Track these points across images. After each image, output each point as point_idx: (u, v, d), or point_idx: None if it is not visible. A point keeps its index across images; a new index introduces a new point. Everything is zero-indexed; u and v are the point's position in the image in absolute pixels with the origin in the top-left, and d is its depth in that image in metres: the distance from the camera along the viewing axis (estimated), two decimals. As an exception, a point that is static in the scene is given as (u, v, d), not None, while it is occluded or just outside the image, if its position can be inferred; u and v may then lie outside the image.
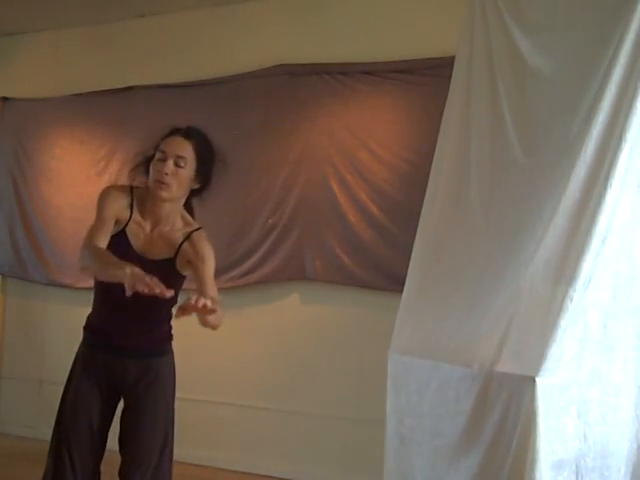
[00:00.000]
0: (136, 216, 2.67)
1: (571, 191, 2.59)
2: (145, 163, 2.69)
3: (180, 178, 2.61)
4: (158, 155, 2.62)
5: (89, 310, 2.77)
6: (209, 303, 2.26)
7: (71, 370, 2.74)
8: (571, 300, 2.49)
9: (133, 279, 2.25)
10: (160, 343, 2.78)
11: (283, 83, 4.87)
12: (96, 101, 5.47)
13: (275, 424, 4.83)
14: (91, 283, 2.78)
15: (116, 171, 5.30)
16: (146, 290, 2.23)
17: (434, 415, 2.85)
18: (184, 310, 2.26)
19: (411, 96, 4.53)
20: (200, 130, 2.73)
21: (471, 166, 3.07)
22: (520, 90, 2.95)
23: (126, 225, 2.66)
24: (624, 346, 2.68)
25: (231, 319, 4.96)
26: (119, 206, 2.65)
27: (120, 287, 2.39)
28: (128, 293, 2.25)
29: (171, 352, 2.79)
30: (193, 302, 2.24)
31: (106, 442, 2.70)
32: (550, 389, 2.49)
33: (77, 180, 5.52)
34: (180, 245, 2.66)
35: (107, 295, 2.67)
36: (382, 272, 4.48)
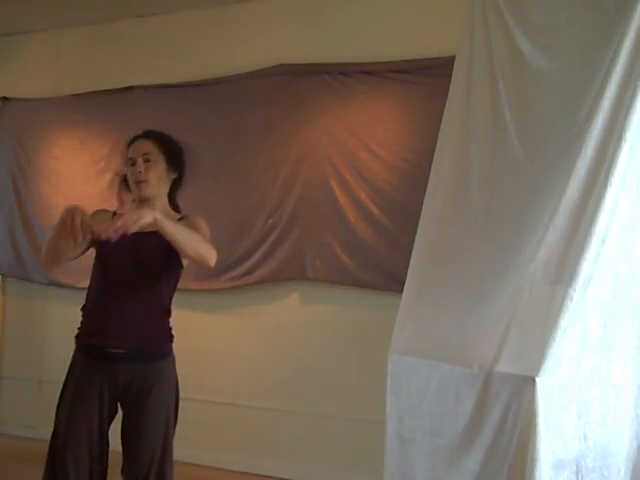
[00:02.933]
0: None
1: (571, 191, 2.59)
2: (124, 180, 2.84)
3: (155, 172, 2.75)
4: (128, 163, 2.80)
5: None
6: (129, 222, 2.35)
7: (65, 380, 2.71)
8: (571, 300, 2.49)
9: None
10: (159, 342, 2.75)
11: (283, 83, 4.87)
12: (96, 101, 5.47)
13: (275, 424, 4.83)
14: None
15: (116, 171, 5.31)
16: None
17: (434, 415, 2.85)
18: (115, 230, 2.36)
19: (411, 96, 4.54)
20: (157, 130, 2.93)
21: (471, 166, 3.06)
22: (520, 90, 2.94)
23: None
24: (624, 346, 2.68)
25: (231, 319, 5.03)
26: (99, 220, 2.69)
27: (117, 260, 2.56)
28: (112, 237, 2.35)
29: (172, 358, 2.75)
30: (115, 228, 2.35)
31: (107, 452, 2.67)
32: (550, 389, 2.49)
33: (77, 180, 5.52)
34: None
35: (105, 274, 2.71)
36: (382, 272, 4.49)
